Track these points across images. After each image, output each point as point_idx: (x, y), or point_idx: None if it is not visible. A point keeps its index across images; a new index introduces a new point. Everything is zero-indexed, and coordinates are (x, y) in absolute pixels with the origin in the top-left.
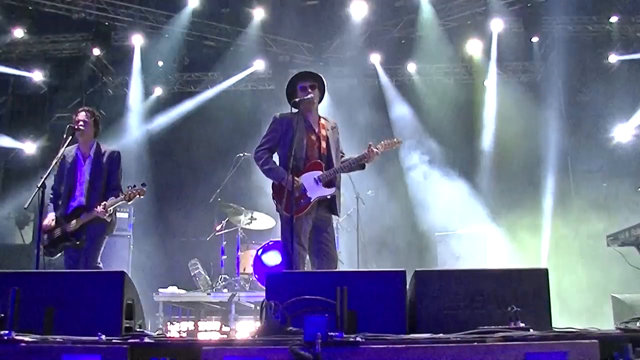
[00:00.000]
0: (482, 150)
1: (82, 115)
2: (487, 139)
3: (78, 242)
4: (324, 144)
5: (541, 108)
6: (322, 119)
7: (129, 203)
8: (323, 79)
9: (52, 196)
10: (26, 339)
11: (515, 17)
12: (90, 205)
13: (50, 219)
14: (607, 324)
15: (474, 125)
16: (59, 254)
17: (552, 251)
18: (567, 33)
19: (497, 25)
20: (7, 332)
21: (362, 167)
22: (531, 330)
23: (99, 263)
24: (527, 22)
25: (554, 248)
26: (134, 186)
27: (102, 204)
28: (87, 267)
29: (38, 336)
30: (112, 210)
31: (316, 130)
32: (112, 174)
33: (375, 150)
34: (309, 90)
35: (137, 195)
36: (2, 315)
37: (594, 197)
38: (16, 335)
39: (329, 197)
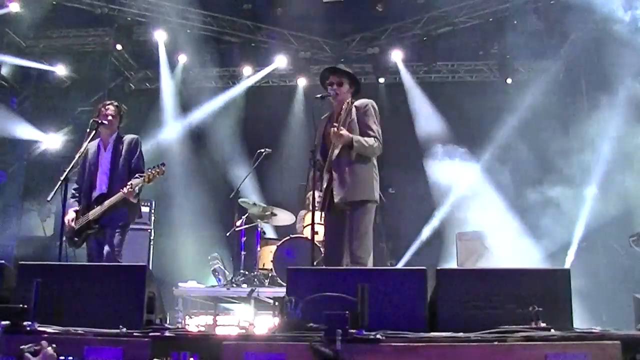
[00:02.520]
0: (505, 148)
1: (110, 109)
2: (511, 137)
3: (101, 230)
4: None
5: (564, 105)
6: (345, 105)
7: (150, 183)
8: (349, 71)
9: (74, 192)
10: (49, 330)
11: (538, 16)
12: (113, 192)
13: (70, 216)
14: (629, 325)
15: (498, 123)
16: (83, 245)
17: (575, 251)
18: (591, 32)
19: (518, 23)
20: (30, 323)
21: (350, 147)
22: (552, 330)
23: (120, 255)
24: (549, 20)
25: (577, 247)
26: (154, 167)
27: (129, 184)
28: (109, 255)
29: (60, 328)
30: (138, 191)
31: (332, 121)
32: (134, 159)
33: (333, 130)
34: (334, 87)
35: (157, 175)
36: (25, 306)
37: (617, 195)
38: (39, 327)
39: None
